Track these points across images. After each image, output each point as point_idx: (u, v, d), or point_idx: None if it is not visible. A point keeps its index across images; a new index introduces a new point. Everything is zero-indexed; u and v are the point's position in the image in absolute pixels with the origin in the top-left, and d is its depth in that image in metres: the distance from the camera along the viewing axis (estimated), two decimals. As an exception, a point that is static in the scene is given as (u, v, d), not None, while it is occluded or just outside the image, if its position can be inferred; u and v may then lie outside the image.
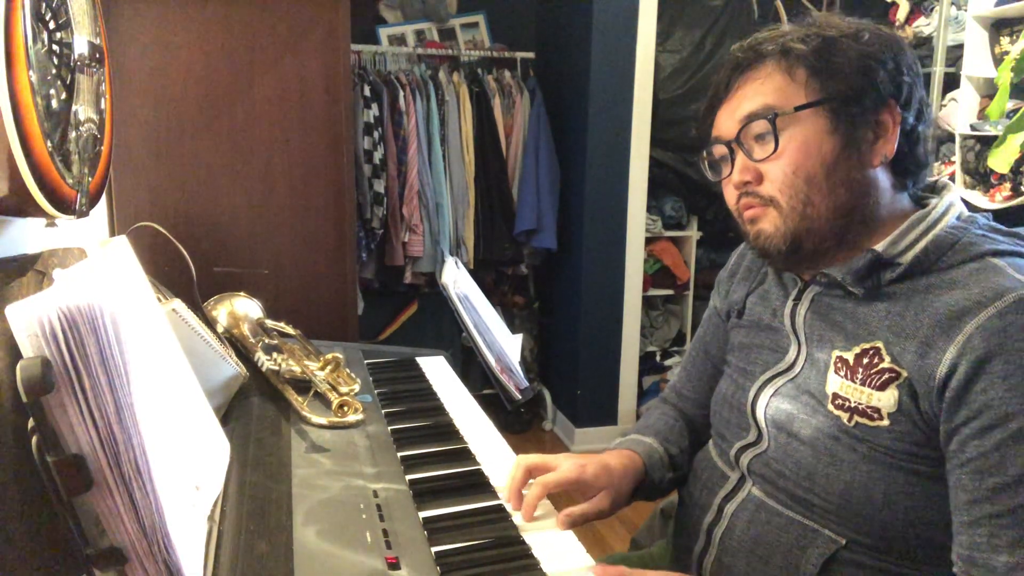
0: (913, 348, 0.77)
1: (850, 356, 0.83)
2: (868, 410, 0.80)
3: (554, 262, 3.37)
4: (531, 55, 3.25)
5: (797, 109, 0.84)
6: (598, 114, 2.99)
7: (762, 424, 0.91)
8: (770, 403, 0.90)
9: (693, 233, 3.42)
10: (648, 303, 3.43)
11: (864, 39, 0.85)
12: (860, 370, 0.81)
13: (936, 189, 0.91)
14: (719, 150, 0.92)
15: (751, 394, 0.93)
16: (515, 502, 0.91)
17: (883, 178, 0.86)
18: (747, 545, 0.89)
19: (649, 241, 3.26)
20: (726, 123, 0.90)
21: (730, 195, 0.92)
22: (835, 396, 0.83)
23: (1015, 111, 2.35)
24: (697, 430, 1.12)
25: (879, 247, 0.83)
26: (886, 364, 0.80)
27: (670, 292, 3.44)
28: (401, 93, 2.94)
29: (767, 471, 0.89)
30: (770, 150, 0.85)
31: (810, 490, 0.84)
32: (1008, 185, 2.64)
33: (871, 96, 0.84)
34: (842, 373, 0.83)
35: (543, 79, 3.25)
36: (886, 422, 0.79)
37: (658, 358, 3.51)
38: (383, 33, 3.26)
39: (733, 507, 0.92)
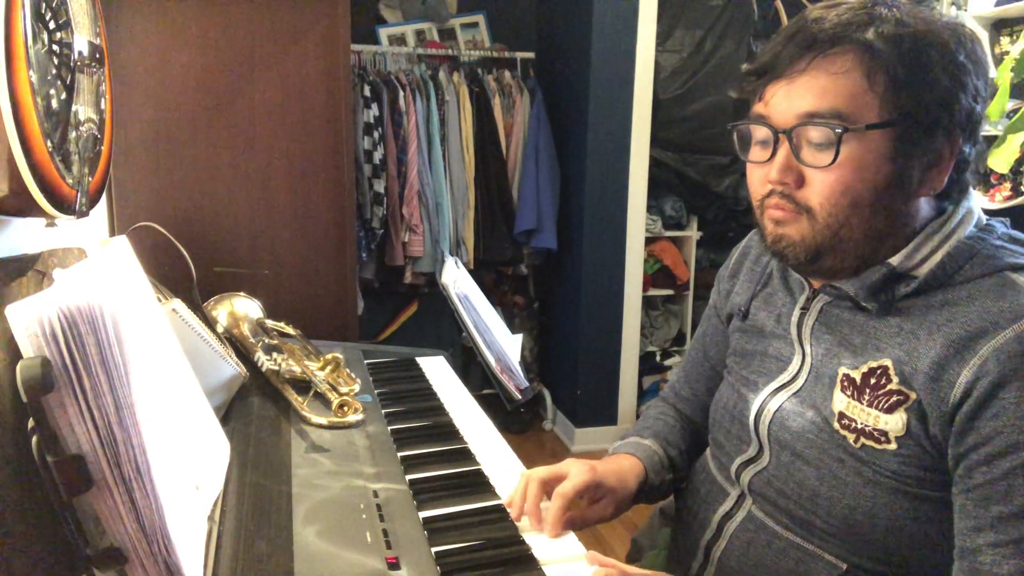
0: (925, 369, 0.74)
1: (857, 375, 0.80)
2: (875, 432, 0.77)
3: (554, 262, 3.37)
4: (531, 55, 3.25)
5: (869, 128, 0.75)
6: (598, 114, 2.98)
7: (764, 439, 0.89)
8: (774, 418, 0.87)
9: (693, 233, 3.41)
10: (648, 303, 3.43)
11: (958, 58, 0.75)
12: (867, 391, 0.78)
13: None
14: (761, 132, 0.82)
15: (754, 407, 0.90)
16: (535, 521, 0.87)
17: (923, 205, 0.81)
18: (746, 568, 0.88)
19: (649, 241, 3.26)
20: (781, 107, 0.79)
21: (757, 183, 0.84)
22: (841, 415, 0.80)
23: (1015, 111, 2.34)
24: (696, 431, 1.10)
25: (894, 261, 0.79)
26: (894, 386, 0.76)
27: (670, 292, 3.44)
28: (401, 93, 2.94)
29: (768, 490, 0.87)
30: (824, 161, 0.76)
31: (812, 512, 0.82)
32: (1008, 185, 2.65)
33: (943, 126, 0.76)
34: (848, 392, 0.80)
35: (543, 79, 3.25)
36: (893, 446, 0.76)
37: (658, 358, 3.50)
38: (383, 33, 3.26)
39: (733, 526, 0.90)
